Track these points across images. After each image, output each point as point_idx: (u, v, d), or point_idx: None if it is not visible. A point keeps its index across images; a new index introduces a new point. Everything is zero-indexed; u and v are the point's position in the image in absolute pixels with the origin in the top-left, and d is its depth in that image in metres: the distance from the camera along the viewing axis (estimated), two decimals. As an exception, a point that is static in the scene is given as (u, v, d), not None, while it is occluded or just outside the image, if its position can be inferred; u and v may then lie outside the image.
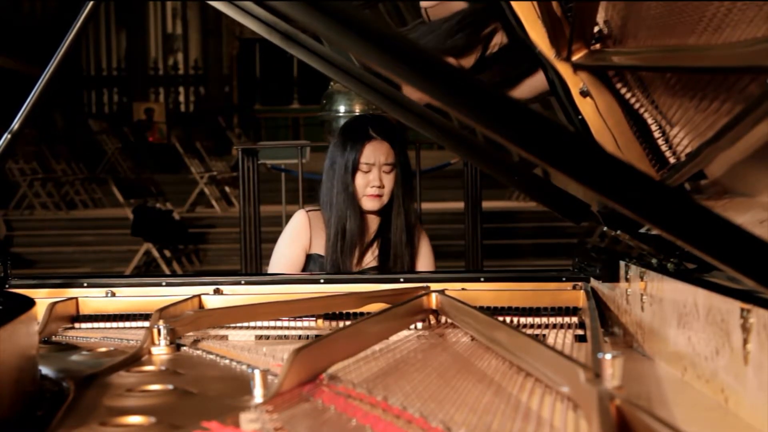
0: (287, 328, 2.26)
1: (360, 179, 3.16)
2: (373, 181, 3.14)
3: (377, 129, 3.17)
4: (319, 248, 3.22)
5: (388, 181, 3.16)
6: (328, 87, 5.26)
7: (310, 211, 3.28)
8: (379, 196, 3.16)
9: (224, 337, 2.16)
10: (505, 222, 10.73)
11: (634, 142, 1.99)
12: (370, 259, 3.21)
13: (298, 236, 3.23)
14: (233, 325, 2.24)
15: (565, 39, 2.03)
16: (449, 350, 1.85)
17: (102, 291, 2.48)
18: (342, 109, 5.10)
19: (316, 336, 2.05)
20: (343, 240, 3.17)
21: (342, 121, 5.12)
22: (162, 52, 19.78)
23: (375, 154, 3.15)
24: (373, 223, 3.23)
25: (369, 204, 3.17)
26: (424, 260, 3.27)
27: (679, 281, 1.64)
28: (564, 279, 2.38)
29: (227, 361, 1.74)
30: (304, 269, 3.22)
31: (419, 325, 2.15)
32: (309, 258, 3.22)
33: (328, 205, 3.20)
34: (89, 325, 2.34)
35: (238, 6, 2.32)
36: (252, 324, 2.25)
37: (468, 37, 2.55)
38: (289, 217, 3.42)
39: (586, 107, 2.07)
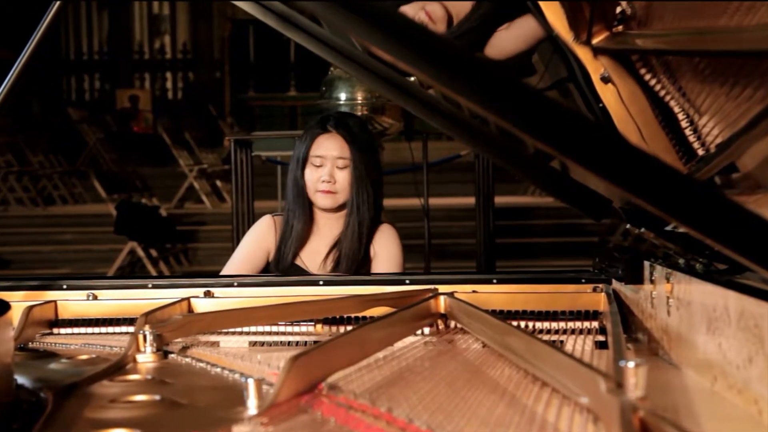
0: (284, 333, 2.27)
1: (311, 174, 3.22)
2: (323, 175, 3.19)
3: (333, 122, 3.24)
4: None
5: (342, 177, 3.19)
6: (327, 73, 5.25)
7: (277, 215, 3.33)
8: (332, 192, 3.19)
9: (215, 344, 2.16)
10: (520, 219, 10.73)
11: (659, 132, 1.99)
12: (331, 265, 3.22)
13: (260, 239, 3.30)
14: (225, 330, 2.24)
15: (585, 21, 2.03)
16: (459, 358, 1.85)
17: (83, 293, 2.48)
18: (343, 96, 5.10)
19: (315, 342, 2.05)
20: (288, 238, 3.23)
21: (343, 110, 5.12)
22: (148, 35, 19.77)
23: (327, 146, 3.21)
24: (331, 225, 3.27)
25: (321, 201, 3.21)
26: (383, 266, 3.24)
27: (708, 283, 1.64)
28: (583, 281, 2.38)
29: (219, 370, 1.75)
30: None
31: (426, 330, 2.16)
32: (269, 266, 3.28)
33: (286, 203, 3.30)
34: (69, 330, 2.35)
35: (230, -15, 2.31)
36: (245, 329, 2.25)
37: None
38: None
39: (607, 94, 2.07)
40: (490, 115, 1.24)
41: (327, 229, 3.25)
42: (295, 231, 3.23)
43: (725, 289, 1.53)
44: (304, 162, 3.22)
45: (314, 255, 3.24)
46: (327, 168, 3.19)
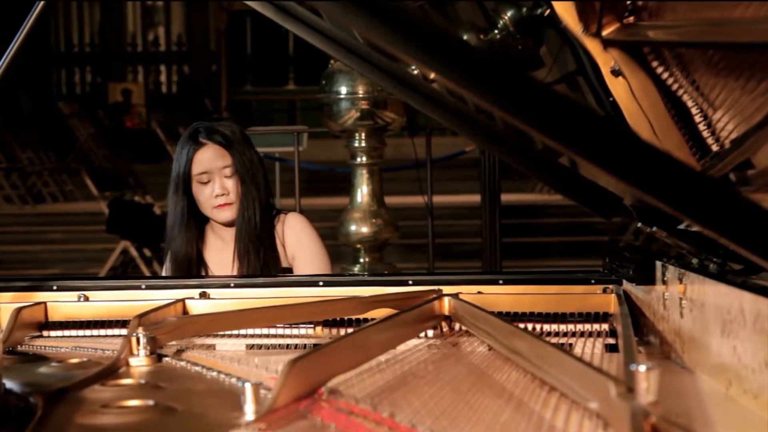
0: (282, 336, 2.27)
1: (201, 192, 3.13)
2: (215, 189, 3.11)
3: (204, 134, 3.16)
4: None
5: (232, 185, 3.12)
6: (327, 66, 5.26)
7: None
8: (228, 204, 3.12)
9: (211, 347, 2.17)
10: (527, 217, 10.73)
11: (672, 127, 1.99)
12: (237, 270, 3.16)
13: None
14: (221, 333, 2.24)
15: (594, 11, 2.03)
16: (464, 361, 1.85)
17: (74, 295, 2.48)
18: (344, 90, 5.09)
19: (315, 345, 2.06)
20: (176, 260, 3.17)
21: (344, 104, 5.12)
22: (141, 26, 19.79)
23: (209, 159, 3.13)
24: (224, 234, 3.20)
25: (221, 215, 3.14)
26: (306, 268, 3.19)
27: (722, 284, 1.64)
28: (593, 281, 2.38)
29: (215, 374, 1.75)
30: None
31: (430, 333, 2.16)
32: None
33: (167, 225, 3.22)
34: (59, 333, 2.35)
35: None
36: (242, 332, 2.26)
37: None
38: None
39: (618, 88, 2.07)
40: (496, 109, 1.24)
41: (228, 243, 3.18)
42: (187, 259, 3.16)
43: (740, 290, 1.53)
44: (187, 184, 3.14)
45: (226, 267, 3.19)
46: (216, 181, 3.11)
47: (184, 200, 3.16)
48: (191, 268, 3.17)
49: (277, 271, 3.15)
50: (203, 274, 3.19)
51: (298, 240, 3.20)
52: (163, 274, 3.30)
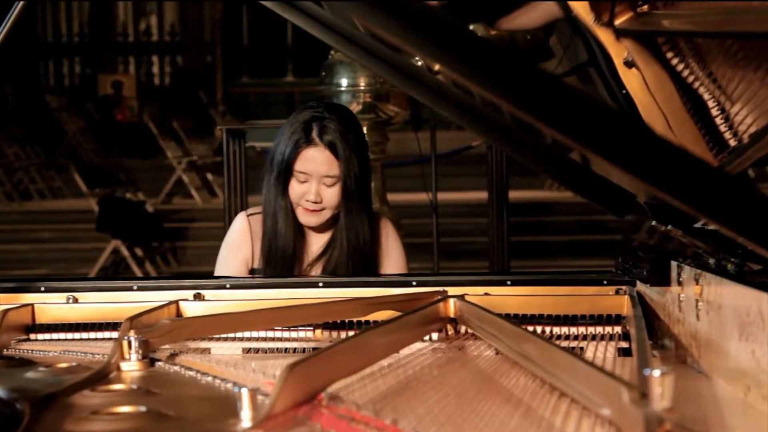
0: (280, 339, 2.27)
1: (294, 188, 3.01)
2: (308, 194, 2.99)
3: (318, 132, 2.99)
4: None
5: (330, 194, 2.99)
6: (327, 57, 5.27)
7: (252, 215, 3.14)
8: (317, 211, 3.01)
9: (206, 351, 2.17)
10: (536, 215, 10.73)
11: (687, 121, 1.99)
12: (320, 267, 3.09)
13: (238, 246, 3.12)
14: (217, 336, 2.24)
15: (606, 0, 2.03)
16: (470, 366, 1.85)
17: (62, 296, 2.48)
18: (344, 82, 5.11)
19: (314, 349, 2.06)
20: (274, 256, 3.07)
21: (345, 97, 5.13)
22: (132, 15, 19.78)
23: (313, 163, 2.98)
24: (319, 236, 3.12)
25: (305, 218, 3.04)
26: (387, 270, 3.11)
27: (740, 285, 1.64)
28: (605, 282, 2.38)
29: (210, 379, 1.75)
30: None
31: (435, 336, 2.16)
32: (253, 273, 3.11)
33: (264, 207, 3.10)
34: (47, 336, 2.35)
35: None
36: (239, 335, 2.26)
37: None
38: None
39: (631, 80, 2.07)
40: (503, 102, 1.24)
41: (314, 242, 3.11)
42: (282, 248, 3.06)
43: (759, 292, 1.53)
44: (288, 175, 3.01)
45: (306, 256, 3.13)
46: (313, 186, 2.98)
47: (288, 197, 3.03)
48: (294, 264, 3.08)
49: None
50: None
51: (384, 248, 3.14)
52: (222, 270, 3.16)
